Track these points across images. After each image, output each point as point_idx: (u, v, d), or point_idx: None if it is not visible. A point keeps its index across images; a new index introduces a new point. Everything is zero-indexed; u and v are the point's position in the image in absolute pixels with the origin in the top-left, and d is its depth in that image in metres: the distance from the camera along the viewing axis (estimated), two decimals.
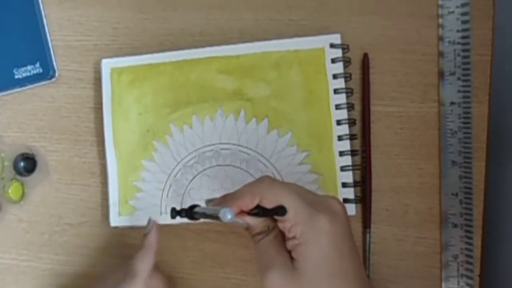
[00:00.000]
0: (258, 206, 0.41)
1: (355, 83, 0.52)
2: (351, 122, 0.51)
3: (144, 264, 0.47)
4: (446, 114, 0.51)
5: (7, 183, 0.53)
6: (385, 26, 0.52)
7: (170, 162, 0.52)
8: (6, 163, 0.53)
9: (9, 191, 0.53)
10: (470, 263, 0.50)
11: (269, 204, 0.41)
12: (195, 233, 0.53)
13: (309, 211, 0.40)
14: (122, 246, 0.53)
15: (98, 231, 0.54)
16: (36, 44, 0.54)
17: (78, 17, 0.55)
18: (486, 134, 0.51)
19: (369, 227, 0.51)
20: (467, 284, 0.50)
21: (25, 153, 0.53)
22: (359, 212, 0.52)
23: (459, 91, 0.51)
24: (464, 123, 0.51)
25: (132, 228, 0.52)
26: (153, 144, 0.52)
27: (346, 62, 0.51)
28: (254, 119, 0.52)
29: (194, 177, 0.52)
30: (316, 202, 0.41)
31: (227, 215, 0.38)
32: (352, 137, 0.51)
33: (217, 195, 0.50)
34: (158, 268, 0.48)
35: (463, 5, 0.51)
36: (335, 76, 0.51)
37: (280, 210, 0.40)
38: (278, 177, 0.51)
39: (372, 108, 0.52)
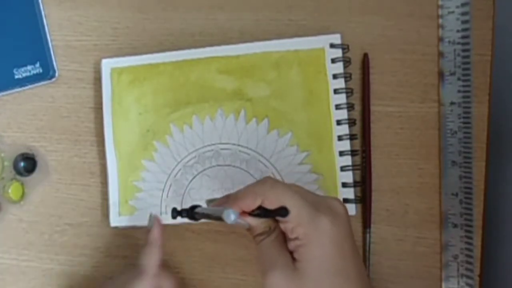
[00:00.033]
0: (260, 207, 0.41)
1: (355, 83, 0.52)
2: (351, 122, 0.51)
3: (150, 260, 0.47)
4: (446, 114, 0.51)
5: (7, 183, 0.53)
6: (385, 26, 0.52)
7: (170, 162, 0.52)
8: (6, 163, 0.53)
9: (9, 191, 0.53)
10: (470, 263, 0.50)
11: (271, 205, 0.41)
12: (195, 233, 0.53)
13: (311, 212, 0.40)
14: (122, 246, 0.53)
15: (98, 231, 0.54)
16: (36, 44, 0.54)
17: (78, 17, 0.55)
18: (486, 134, 0.51)
19: (369, 227, 0.51)
20: (467, 284, 0.50)
21: (25, 153, 0.53)
22: (359, 212, 0.52)
23: (459, 91, 0.51)
24: (464, 123, 0.51)
25: (132, 228, 0.52)
26: (153, 144, 0.52)
27: (346, 62, 0.51)
28: (254, 119, 0.52)
29: (194, 177, 0.52)
30: (318, 203, 0.41)
31: (230, 216, 0.38)
32: (352, 137, 0.51)
33: (217, 195, 0.50)
34: (168, 268, 0.48)
35: (463, 5, 0.51)
36: (335, 76, 0.51)
37: (282, 211, 0.40)
38: (278, 177, 0.51)
39: (372, 108, 0.52)
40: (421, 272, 0.51)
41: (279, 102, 0.51)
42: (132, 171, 0.52)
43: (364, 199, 0.51)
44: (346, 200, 0.50)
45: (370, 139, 0.52)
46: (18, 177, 0.53)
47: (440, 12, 0.52)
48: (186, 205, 0.46)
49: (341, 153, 0.51)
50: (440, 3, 0.52)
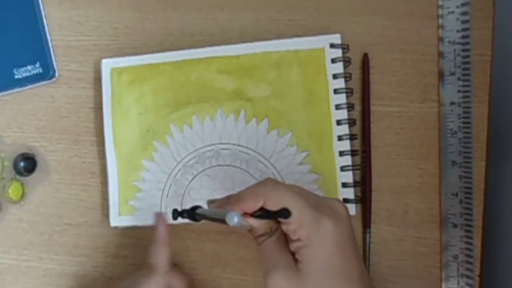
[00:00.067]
0: (261, 208, 0.41)
1: (355, 83, 0.52)
2: (351, 122, 0.51)
3: (159, 258, 0.47)
4: (446, 114, 0.51)
5: (7, 183, 0.53)
6: (385, 26, 0.52)
7: (170, 162, 0.52)
8: (6, 163, 0.53)
9: (9, 191, 0.53)
10: (470, 263, 0.50)
11: (273, 206, 0.41)
12: (195, 233, 0.53)
13: (313, 214, 0.40)
14: (122, 246, 0.53)
15: (98, 231, 0.54)
16: (36, 44, 0.54)
17: (78, 17, 0.55)
18: (486, 134, 0.51)
19: (369, 227, 0.51)
20: (467, 284, 0.50)
21: (25, 153, 0.53)
22: (359, 212, 0.52)
23: (459, 91, 0.51)
24: (464, 123, 0.51)
25: (132, 228, 0.52)
26: (153, 144, 0.52)
27: (346, 62, 0.51)
28: (254, 119, 0.52)
29: (194, 177, 0.52)
30: (319, 204, 0.41)
31: (234, 219, 0.38)
32: (352, 137, 0.51)
33: (217, 195, 0.50)
34: (178, 268, 0.48)
35: (463, 5, 0.51)
36: (335, 76, 0.51)
37: (284, 213, 0.40)
38: (278, 177, 0.51)
39: (372, 108, 0.52)
40: (421, 272, 0.51)
41: (279, 102, 0.51)
42: (132, 171, 0.52)
43: (364, 199, 0.51)
44: (346, 200, 0.50)
45: (370, 139, 0.52)
46: (18, 177, 0.53)
47: (440, 12, 0.52)
48: (186, 205, 0.46)
49: (341, 153, 0.51)
50: (440, 3, 0.52)
